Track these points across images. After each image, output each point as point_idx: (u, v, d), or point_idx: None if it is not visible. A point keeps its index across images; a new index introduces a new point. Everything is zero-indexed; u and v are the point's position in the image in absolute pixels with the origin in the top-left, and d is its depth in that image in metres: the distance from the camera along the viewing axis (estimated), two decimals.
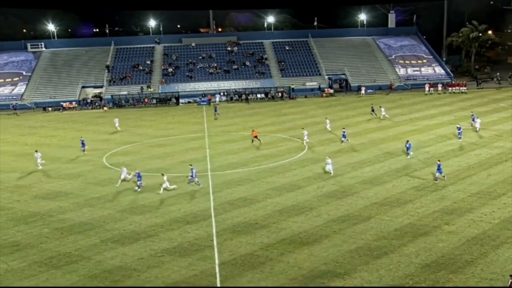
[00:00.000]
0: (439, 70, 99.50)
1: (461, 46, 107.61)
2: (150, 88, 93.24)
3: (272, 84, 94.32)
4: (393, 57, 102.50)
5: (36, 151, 52.58)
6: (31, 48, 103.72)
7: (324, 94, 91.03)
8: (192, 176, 43.30)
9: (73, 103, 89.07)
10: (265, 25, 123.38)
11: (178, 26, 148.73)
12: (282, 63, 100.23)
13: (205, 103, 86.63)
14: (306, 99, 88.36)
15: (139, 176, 43.01)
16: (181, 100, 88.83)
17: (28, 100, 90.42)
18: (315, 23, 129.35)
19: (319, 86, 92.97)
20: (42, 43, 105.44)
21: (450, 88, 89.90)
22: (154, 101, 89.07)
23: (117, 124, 68.26)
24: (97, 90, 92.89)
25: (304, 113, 75.37)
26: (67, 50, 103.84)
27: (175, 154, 54.02)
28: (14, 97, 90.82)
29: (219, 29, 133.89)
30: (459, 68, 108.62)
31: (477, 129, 57.72)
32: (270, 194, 40.62)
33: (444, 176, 41.67)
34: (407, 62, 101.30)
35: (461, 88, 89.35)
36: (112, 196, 41.99)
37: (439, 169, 41.60)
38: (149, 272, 29.44)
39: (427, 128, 61.63)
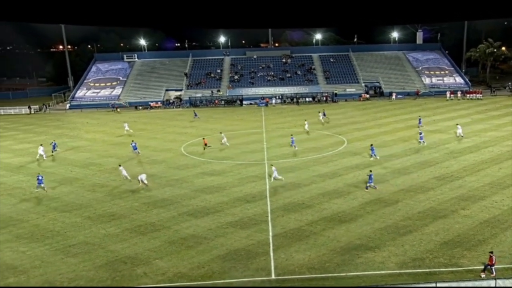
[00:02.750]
0: (459, 79, 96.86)
1: (478, 59, 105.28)
2: (220, 91, 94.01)
3: (318, 89, 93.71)
4: (420, 68, 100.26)
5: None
6: (127, 58, 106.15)
7: (361, 99, 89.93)
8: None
9: (159, 103, 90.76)
10: (314, 41, 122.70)
11: (243, 41, 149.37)
12: (327, 72, 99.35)
13: (263, 104, 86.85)
14: (346, 102, 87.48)
15: None
16: (244, 102, 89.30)
17: (123, 100, 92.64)
18: (355, 40, 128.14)
19: (362, 92, 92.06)
20: (135, 55, 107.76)
21: (468, 95, 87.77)
22: (223, 102, 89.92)
23: (126, 128, 65.03)
24: (178, 93, 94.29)
25: (344, 114, 74.66)
26: (154, 61, 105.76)
27: (239, 146, 54.38)
28: (113, 98, 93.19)
29: (276, 44, 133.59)
30: (476, 78, 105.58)
31: (461, 135, 54.78)
32: (315, 180, 40.50)
33: (375, 187, 38.01)
34: (431, 72, 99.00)
35: (477, 95, 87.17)
36: (188, 178, 42.61)
37: (370, 178, 38.32)
38: (216, 240, 29.83)
39: (448, 128, 60.10)
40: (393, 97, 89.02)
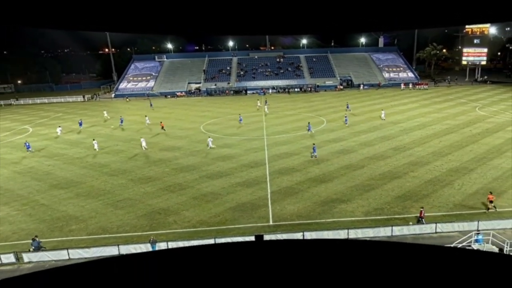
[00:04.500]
0: (410, 74, 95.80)
1: (425, 59, 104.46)
2: (229, 84, 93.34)
3: (304, 82, 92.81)
4: (381, 66, 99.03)
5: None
6: (158, 58, 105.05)
7: (337, 89, 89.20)
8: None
9: (183, 92, 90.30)
10: (301, 45, 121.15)
11: (247, 45, 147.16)
12: (311, 69, 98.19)
13: (262, 93, 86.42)
14: (326, 92, 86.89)
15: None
16: (248, 92, 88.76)
17: (156, 90, 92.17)
18: (332, 44, 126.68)
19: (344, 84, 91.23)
20: (164, 56, 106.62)
21: (417, 86, 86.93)
22: (232, 92, 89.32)
23: (105, 115, 63.91)
24: (197, 85, 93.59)
25: (324, 100, 74.29)
26: (179, 60, 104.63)
27: (244, 125, 54.36)
28: (147, 89, 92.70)
29: (272, 47, 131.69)
30: (423, 73, 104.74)
31: (383, 118, 53.87)
32: (302, 151, 40.62)
33: (316, 156, 37.88)
34: (390, 69, 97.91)
35: (424, 86, 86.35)
36: (206, 150, 42.76)
37: (314, 150, 38.24)
38: (228, 196, 30.18)
39: (401, 111, 59.93)
40: (361, 87, 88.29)
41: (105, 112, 65.26)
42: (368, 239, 22.36)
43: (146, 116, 59.76)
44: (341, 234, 23.55)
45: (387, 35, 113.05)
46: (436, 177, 32.08)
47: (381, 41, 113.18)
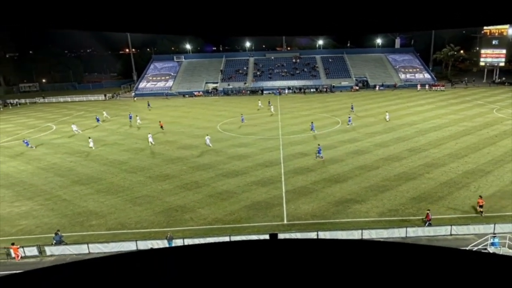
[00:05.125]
0: (426, 75, 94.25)
1: (442, 60, 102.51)
2: (246, 84, 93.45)
3: (320, 82, 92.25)
4: (397, 67, 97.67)
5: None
6: (176, 59, 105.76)
7: (352, 90, 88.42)
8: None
9: (200, 92, 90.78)
10: (317, 46, 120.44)
11: (263, 45, 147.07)
12: (327, 69, 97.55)
13: (278, 93, 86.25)
14: (341, 93, 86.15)
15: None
16: (264, 92, 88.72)
17: (174, 90, 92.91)
18: (348, 44, 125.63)
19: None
20: (183, 56, 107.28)
21: (433, 87, 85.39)
22: (248, 92, 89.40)
23: (105, 115, 64.31)
24: (215, 85, 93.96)
25: (339, 101, 73.71)
26: (197, 60, 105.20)
27: (260, 124, 54.40)
28: (166, 88, 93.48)
29: (288, 48, 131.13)
30: (440, 74, 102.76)
31: (387, 120, 53.20)
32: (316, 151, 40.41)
33: (322, 157, 37.29)
34: (406, 70, 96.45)
35: (440, 87, 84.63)
36: (222, 149, 42.88)
37: (319, 151, 37.62)
38: (243, 194, 30.24)
39: (417, 112, 59.02)
40: (377, 88, 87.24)
41: (104, 113, 65.85)
42: (382, 240, 22.12)
43: (137, 116, 60.05)
44: (355, 235, 23.37)
45: (404, 35, 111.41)
46: (452, 179, 31.52)
47: (397, 42, 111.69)
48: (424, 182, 31.04)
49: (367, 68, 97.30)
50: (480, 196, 26.06)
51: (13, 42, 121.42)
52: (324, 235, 23.20)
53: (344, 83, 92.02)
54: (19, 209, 29.42)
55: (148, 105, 73.39)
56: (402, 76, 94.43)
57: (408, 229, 23.69)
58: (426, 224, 24.10)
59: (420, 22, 1.77)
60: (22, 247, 23.65)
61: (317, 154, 37.82)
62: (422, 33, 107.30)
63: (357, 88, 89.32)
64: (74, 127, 54.17)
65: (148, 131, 53.51)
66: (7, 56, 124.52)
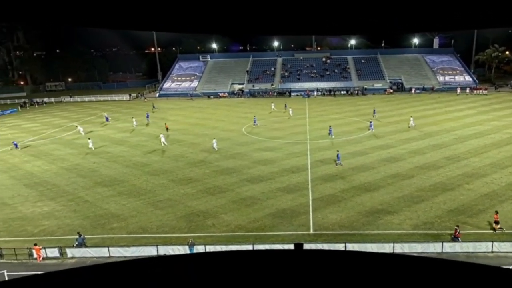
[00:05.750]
0: (468, 78, 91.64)
1: (485, 61, 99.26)
2: (273, 85, 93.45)
3: (351, 84, 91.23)
4: (435, 68, 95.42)
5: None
6: (202, 58, 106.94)
7: (386, 92, 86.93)
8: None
9: (225, 93, 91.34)
10: (349, 46, 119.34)
11: (292, 45, 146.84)
12: (359, 71, 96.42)
13: (306, 96, 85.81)
14: (374, 95, 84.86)
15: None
16: (292, 94, 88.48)
17: (199, 91, 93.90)
18: (383, 44, 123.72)
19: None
20: (209, 56, 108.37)
21: (475, 91, 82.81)
22: (275, 93, 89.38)
23: (106, 119, 64.80)
24: (240, 86, 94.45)
25: (371, 104, 72.47)
26: (223, 60, 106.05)
27: (287, 128, 54.20)
28: (191, 89, 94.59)
29: (318, 48, 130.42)
30: (483, 77, 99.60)
31: (412, 126, 51.55)
32: (346, 157, 39.79)
33: (342, 164, 36.95)
34: (445, 72, 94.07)
35: (483, 91, 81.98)
36: (247, 152, 42.90)
37: (338, 157, 37.26)
38: (268, 201, 30.11)
39: (456, 118, 57.32)
40: (413, 91, 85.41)
41: (105, 114, 67.40)
42: (415, 254, 21.49)
43: (133, 117, 61.62)
44: (386, 248, 22.80)
45: (443, 35, 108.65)
46: (494, 191, 30.36)
47: (435, 42, 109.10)
48: (463, 194, 30.03)
49: (403, 70, 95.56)
50: (496, 212, 25.10)
51: (41, 41, 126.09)
52: (352, 247, 22.77)
53: (377, 85, 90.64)
54: (42, 209, 30.30)
55: (153, 107, 74.14)
56: (441, 78, 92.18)
57: (444, 244, 22.93)
58: (454, 240, 23.27)
59: (420, 23, 1.70)
60: (44, 248, 24.30)
61: (336, 161, 37.32)
62: (463, 33, 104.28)
63: (391, 91, 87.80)
64: (80, 129, 55.41)
65: (173, 133, 54.14)
66: (34, 54, 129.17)
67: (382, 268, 1.99)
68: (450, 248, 22.90)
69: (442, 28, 1.76)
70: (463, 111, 62.80)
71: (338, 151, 38.83)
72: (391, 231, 25.13)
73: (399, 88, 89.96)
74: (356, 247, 22.64)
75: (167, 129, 53.93)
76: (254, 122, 55.89)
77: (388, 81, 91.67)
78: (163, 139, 46.84)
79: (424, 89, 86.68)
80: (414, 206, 28.24)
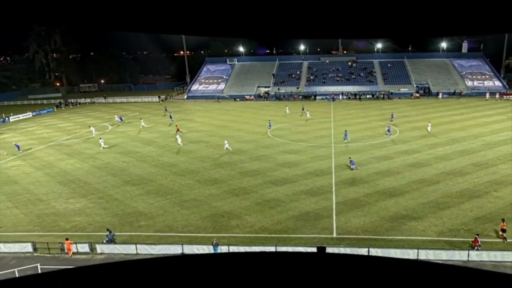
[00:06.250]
0: (497, 83, 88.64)
1: None
2: (299, 88, 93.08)
3: (377, 88, 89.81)
4: (463, 73, 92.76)
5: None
6: (229, 62, 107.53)
7: (412, 97, 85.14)
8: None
9: (251, 96, 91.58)
10: (375, 49, 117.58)
11: (318, 49, 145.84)
12: (385, 75, 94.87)
13: (331, 99, 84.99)
14: (400, 100, 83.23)
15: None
16: (317, 97, 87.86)
17: (226, 93, 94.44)
18: (410, 48, 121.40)
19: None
20: (236, 59, 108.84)
21: (505, 96, 80.00)
22: (301, 97, 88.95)
23: (117, 118, 66.68)
24: (266, 89, 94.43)
25: (397, 108, 71.19)
26: (249, 64, 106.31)
27: (311, 131, 53.81)
28: (217, 91, 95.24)
29: (344, 51, 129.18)
30: None
31: (428, 131, 50.42)
32: (371, 161, 39.28)
33: (357, 167, 36.66)
34: (474, 77, 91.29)
35: None
36: (272, 155, 42.79)
37: (352, 163, 36.84)
38: (292, 203, 29.94)
39: (485, 123, 55.48)
40: (440, 96, 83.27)
41: (116, 116, 68.61)
42: (440, 262, 20.90)
43: (141, 119, 63.04)
44: (410, 254, 22.27)
45: (472, 39, 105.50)
46: None
47: (464, 46, 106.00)
48: (491, 201, 29.02)
49: (430, 74, 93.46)
50: (503, 220, 24.12)
51: (76, 44, 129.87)
52: (376, 252, 22.34)
53: (404, 89, 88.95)
54: (74, 206, 31.10)
55: (165, 110, 74.61)
56: (469, 83, 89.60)
57: (470, 252, 22.21)
58: (475, 249, 22.48)
59: (421, 26, 1.66)
60: (75, 243, 24.92)
61: (351, 166, 36.66)
62: (493, 37, 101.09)
63: (418, 95, 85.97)
64: (93, 130, 56.47)
65: (201, 135, 54.71)
66: (70, 57, 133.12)
67: (406, 275, 1.95)
68: (476, 256, 22.16)
69: (469, 32, 1.69)
70: (491, 116, 60.80)
71: (350, 157, 38.35)
72: (415, 237, 24.55)
73: (426, 92, 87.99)
74: (379, 252, 22.21)
75: (177, 130, 54.17)
76: (269, 126, 55.63)
77: (414, 85, 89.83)
78: (179, 140, 48.11)
79: (455, 93, 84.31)
80: (439, 213, 27.50)
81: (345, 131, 48.66)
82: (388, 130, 49.98)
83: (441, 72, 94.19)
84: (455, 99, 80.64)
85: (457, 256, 22.23)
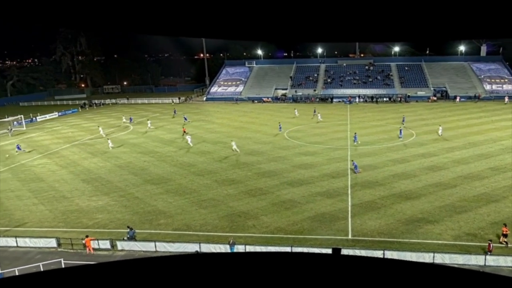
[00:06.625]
0: None
1: None
2: (315, 91, 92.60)
3: (394, 91, 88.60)
4: (482, 76, 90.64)
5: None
6: (248, 64, 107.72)
7: (429, 100, 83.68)
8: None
9: (269, 98, 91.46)
10: (392, 53, 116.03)
11: (336, 52, 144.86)
12: (402, 78, 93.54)
13: (348, 102, 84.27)
14: (417, 103, 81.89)
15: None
16: (334, 100, 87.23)
17: (244, 95, 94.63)
18: (427, 52, 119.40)
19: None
20: (254, 62, 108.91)
21: None
22: (318, 99, 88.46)
23: (124, 120, 67.38)
24: (284, 91, 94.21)
25: (414, 112, 70.15)
26: (267, 66, 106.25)
27: (328, 133, 53.45)
28: (236, 93, 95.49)
29: (361, 55, 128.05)
30: None
31: (440, 134, 49.55)
32: (387, 164, 38.77)
33: (360, 171, 36.09)
34: (492, 80, 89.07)
35: None
36: (288, 156, 42.67)
37: (355, 166, 36.34)
38: (307, 205, 29.79)
39: (504, 127, 54.06)
40: (457, 99, 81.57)
41: (123, 117, 69.04)
42: (456, 266, 20.50)
43: (148, 120, 63.72)
44: (425, 257, 21.90)
45: (491, 42, 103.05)
46: None
47: (483, 50, 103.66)
48: (509, 206, 28.28)
49: (447, 78, 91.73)
50: (505, 224, 23.41)
51: (101, 47, 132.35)
52: (391, 254, 22.04)
53: (421, 93, 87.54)
54: (96, 203, 31.65)
55: (174, 112, 75.04)
56: (487, 87, 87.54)
57: (487, 256, 21.70)
58: (488, 254, 21.94)
59: (440, 29, 1.59)
60: (97, 239, 25.34)
61: (355, 170, 36.17)
62: None
63: (435, 98, 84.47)
64: (100, 130, 57.49)
65: (219, 136, 54.96)
66: (95, 59, 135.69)
67: (422, 279, 1.91)
68: (493, 261, 21.63)
69: (489, 35, 1.66)
70: (510, 120, 59.26)
71: (353, 160, 37.86)
72: (431, 240, 24.12)
73: (443, 96, 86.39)
74: (395, 255, 21.90)
75: (184, 132, 54.41)
76: (279, 128, 55.19)
77: (432, 88, 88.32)
78: (189, 140, 48.71)
79: (475, 97, 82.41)
80: (456, 217, 26.95)
81: (355, 133, 48.26)
82: (400, 134, 49.19)
83: (459, 76, 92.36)
84: (473, 103, 78.90)
85: (474, 260, 21.75)
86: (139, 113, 79.44)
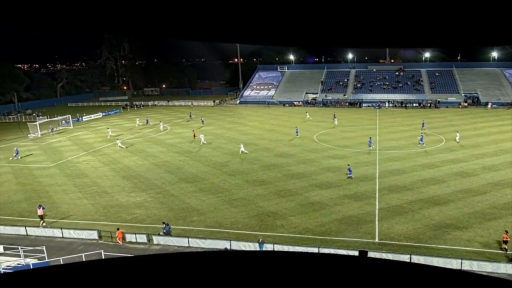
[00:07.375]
0: None
1: None
2: (345, 95, 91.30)
3: (424, 97, 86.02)
4: None
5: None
6: (280, 69, 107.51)
7: (460, 106, 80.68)
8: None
9: (300, 102, 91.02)
10: (423, 58, 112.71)
11: (366, 57, 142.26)
12: (433, 84, 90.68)
13: (377, 107, 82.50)
14: (447, 109, 79.21)
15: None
16: (363, 104, 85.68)
17: (276, 99, 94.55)
18: (459, 58, 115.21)
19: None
20: (286, 67, 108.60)
21: None
22: (347, 104, 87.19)
23: (139, 122, 68.03)
24: (314, 95, 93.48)
25: (444, 118, 67.86)
26: (299, 71, 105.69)
27: (357, 137, 52.56)
28: (268, 97, 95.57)
29: (392, 60, 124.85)
30: None
31: (457, 141, 47.58)
32: (416, 169, 37.70)
33: (352, 178, 35.04)
34: None
35: None
36: (317, 159, 42.29)
37: (349, 171, 35.40)
38: (335, 207, 29.41)
39: None
40: (489, 106, 78.22)
41: (137, 120, 69.53)
42: (484, 274, 19.65)
43: (160, 121, 65.40)
44: (453, 264, 21.12)
45: None
46: None
47: None
48: None
49: (479, 84, 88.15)
50: (506, 231, 22.00)
51: (143, 51, 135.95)
52: (418, 259, 21.40)
53: (451, 99, 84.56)
54: (135, 199, 32.50)
55: (190, 116, 75.10)
56: None
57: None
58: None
59: (472, 35, 1.53)
60: (135, 233, 26.01)
61: (348, 175, 35.21)
62: None
63: (466, 104, 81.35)
64: (109, 131, 58.84)
65: (251, 137, 55.17)
66: (136, 63, 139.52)
67: (449, 285, 1.84)
68: None
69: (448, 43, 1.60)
70: None
71: (349, 165, 36.92)
72: (459, 247, 23.24)
73: (475, 102, 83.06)
74: (421, 260, 21.24)
75: (194, 136, 54.57)
76: (297, 133, 53.94)
77: (463, 94, 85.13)
78: (203, 139, 49.95)
79: (508, 104, 78.70)
80: (485, 224, 25.85)
81: (370, 138, 47.30)
82: (421, 139, 47.43)
83: (491, 82, 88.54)
84: (506, 109, 75.42)
85: (503, 269, 20.79)
86: (176, 114, 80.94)
